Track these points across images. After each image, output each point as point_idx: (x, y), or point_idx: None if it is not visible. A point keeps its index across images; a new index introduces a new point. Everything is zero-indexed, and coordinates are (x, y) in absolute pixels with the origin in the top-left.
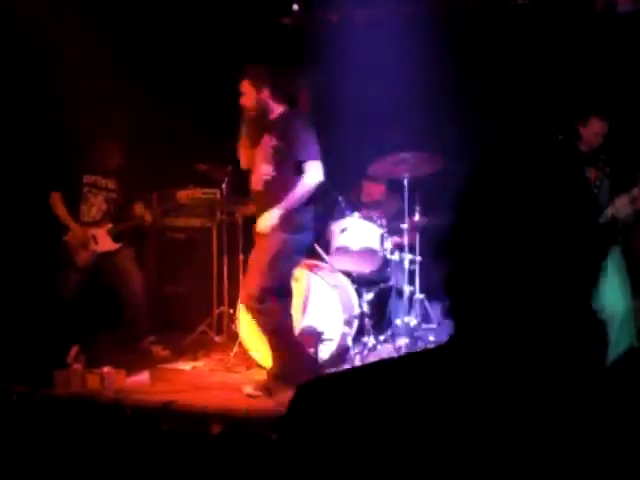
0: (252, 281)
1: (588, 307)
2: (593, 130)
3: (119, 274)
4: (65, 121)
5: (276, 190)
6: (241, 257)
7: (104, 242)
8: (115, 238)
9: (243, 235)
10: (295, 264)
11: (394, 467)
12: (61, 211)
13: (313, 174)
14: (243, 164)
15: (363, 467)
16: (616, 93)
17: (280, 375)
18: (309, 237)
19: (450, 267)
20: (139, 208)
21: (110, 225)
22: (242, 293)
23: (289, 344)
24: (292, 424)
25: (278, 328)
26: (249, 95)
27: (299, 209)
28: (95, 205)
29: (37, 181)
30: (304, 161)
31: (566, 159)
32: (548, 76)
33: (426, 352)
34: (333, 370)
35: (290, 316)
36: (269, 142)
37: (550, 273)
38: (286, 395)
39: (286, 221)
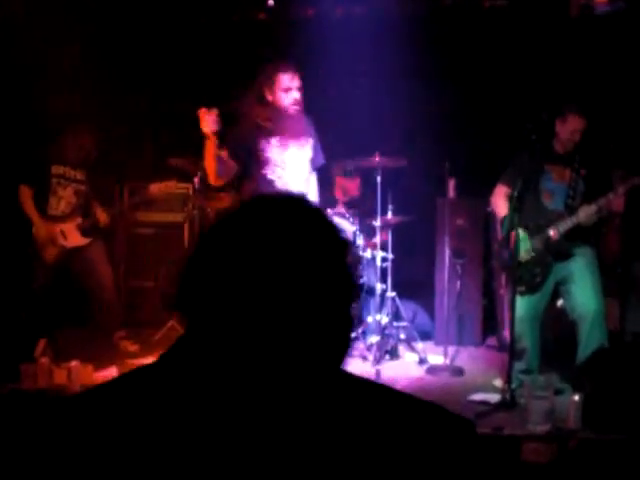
0: None
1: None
2: (571, 127)
3: (89, 269)
4: (34, 111)
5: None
6: None
7: (73, 237)
8: (84, 233)
9: None
10: None
11: None
12: (28, 207)
13: None
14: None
15: None
16: (593, 94)
17: None
18: None
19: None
20: (95, 207)
21: (80, 219)
22: None
23: None
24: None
25: None
26: (301, 91)
27: None
28: (64, 198)
29: (5, 172)
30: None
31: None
32: (525, 76)
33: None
34: None
35: None
36: (304, 144)
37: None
38: None
39: None
